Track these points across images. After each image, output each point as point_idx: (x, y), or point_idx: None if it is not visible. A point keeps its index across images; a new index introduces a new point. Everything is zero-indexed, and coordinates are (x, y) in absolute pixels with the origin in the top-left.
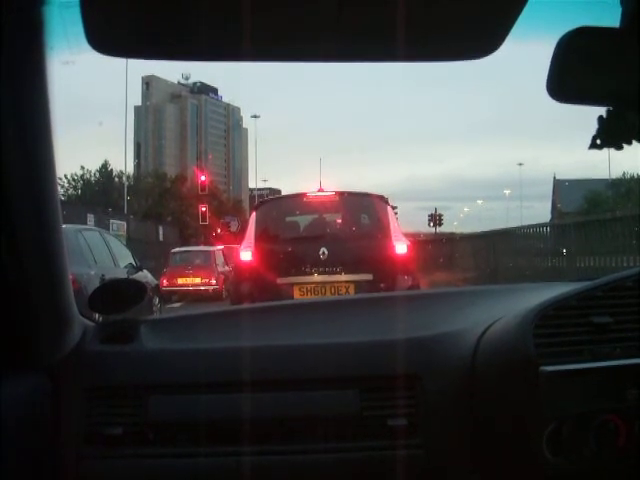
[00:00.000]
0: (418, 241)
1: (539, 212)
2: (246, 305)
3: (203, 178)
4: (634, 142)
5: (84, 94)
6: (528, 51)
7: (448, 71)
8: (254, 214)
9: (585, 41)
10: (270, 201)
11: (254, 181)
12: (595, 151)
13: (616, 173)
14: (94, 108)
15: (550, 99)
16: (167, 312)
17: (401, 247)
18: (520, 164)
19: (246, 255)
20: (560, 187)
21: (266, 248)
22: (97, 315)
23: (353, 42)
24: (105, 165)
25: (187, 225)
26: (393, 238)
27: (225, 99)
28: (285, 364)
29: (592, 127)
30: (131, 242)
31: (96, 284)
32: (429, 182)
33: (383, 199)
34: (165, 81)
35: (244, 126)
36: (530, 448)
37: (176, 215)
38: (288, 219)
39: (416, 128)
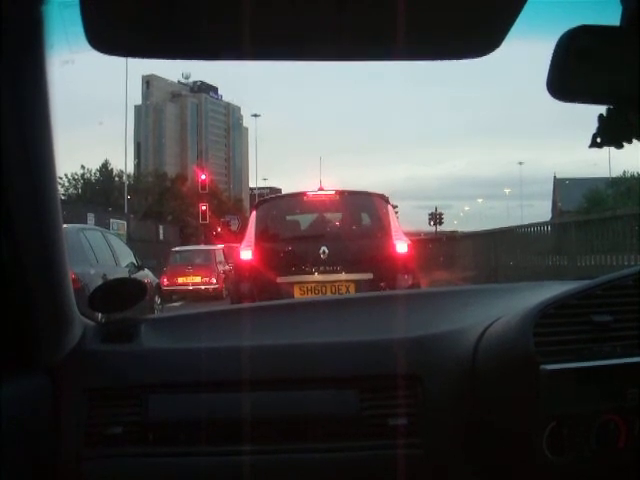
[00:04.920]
0: (418, 240)
1: (539, 211)
2: (246, 304)
3: (203, 177)
4: (634, 141)
5: (84, 93)
6: (528, 49)
7: (449, 70)
8: (254, 213)
9: (585, 40)
10: (270, 200)
11: (254, 180)
12: (595, 149)
13: (616, 172)
14: (94, 107)
15: (550, 98)
16: (167, 311)
17: (401, 246)
18: (520, 163)
19: (246, 254)
20: (560, 186)
21: (266, 247)
22: (100, 315)
23: (353, 41)
24: (105, 164)
25: (187, 224)
26: (393, 237)
27: (225, 98)
28: (285, 363)
29: (592, 125)
30: (131, 241)
31: (98, 283)
32: (429, 181)
33: (383, 198)
34: (165, 80)
35: (244, 125)
36: (530, 447)
37: (176, 214)
38: (288, 218)
39: (416, 127)
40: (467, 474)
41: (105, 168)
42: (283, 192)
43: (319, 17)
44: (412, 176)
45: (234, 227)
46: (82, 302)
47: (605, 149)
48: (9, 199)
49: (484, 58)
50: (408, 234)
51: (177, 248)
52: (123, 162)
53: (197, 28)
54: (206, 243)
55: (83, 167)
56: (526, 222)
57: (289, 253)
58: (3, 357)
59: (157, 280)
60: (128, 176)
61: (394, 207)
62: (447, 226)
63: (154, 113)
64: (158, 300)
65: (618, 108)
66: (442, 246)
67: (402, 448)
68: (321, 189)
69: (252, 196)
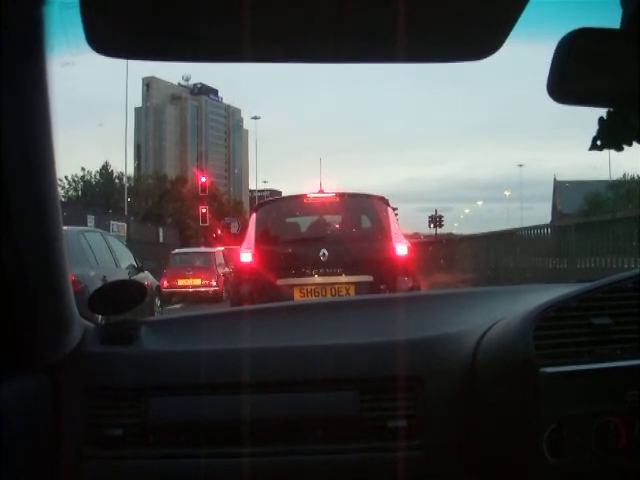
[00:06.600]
0: (419, 242)
1: (539, 213)
2: (246, 306)
3: (203, 179)
4: (634, 143)
5: (84, 95)
6: (528, 52)
7: (449, 71)
8: (254, 215)
9: (585, 42)
10: (270, 202)
11: (254, 182)
12: (596, 152)
13: (616, 174)
14: (94, 109)
15: (551, 100)
16: (167, 313)
17: (401, 248)
18: (520, 165)
19: (246, 256)
20: (560, 188)
21: (266, 249)
22: (100, 317)
23: (353, 43)
24: (105, 166)
25: (187, 226)
26: (393, 239)
27: (225, 100)
28: (285, 366)
29: (593, 128)
30: (131, 243)
31: (97, 285)
32: (429, 183)
33: (383, 200)
34: (165, 82)
35: (245, 127)
36: (530, 449)
37: (176, 216)
38: (288, 220)
39: (416, 129)
40: (467, 476)
41: (105, 170)
42: (283, 194)
43: (319, 19)
44: (412, 178)
45: (234, 229)
46: (82, 304)
47: (605, 152)
48: (9, 200)
49: (485, 60)
50: (408, 236)
51: (177, 250)
52: (123, 164)
53: (197, 30)
54: (206, 245)
55: (83, 169)
56: (526, 225)
57: (289, 255)
58: (3, 357)
59: (157, 282)
60: (128, 178)
61: (394, 209)
62: (447, 229)
63: (154, 115)
64: (158, 302)
65: (618, 111)
66: (442, 249)
67: (402, 449)
68: (321, 191)
69: (252, 198)
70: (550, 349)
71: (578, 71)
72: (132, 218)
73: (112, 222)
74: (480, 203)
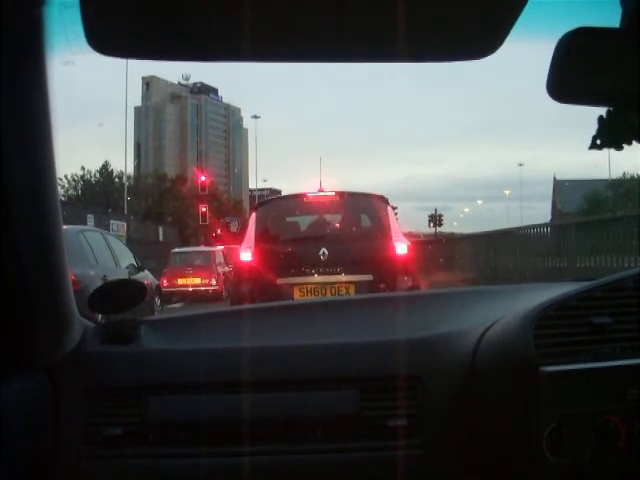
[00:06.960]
0: (418, 241)
1: (539, 212)
2: (246, 305)
3: (203, 178)
4: (634, 142)
5: (84, 94)
6: (528, 51)
7: (449, 70)
8: (254, 214)
9: (585, 41)
10: (270, 201)
11: (254, 181)
12: (595, 151)
13: (616, 173)
14: (94, 108)
15: (550, 99)
16: (167, 312)
17: (401, 247)
18: (520, 164)
19: (246, 255)
20: (560, 187)
21: (266, 248)
22: (100, 316)
23: (353, 42)
24: (105, 166)
25: (187, 225)
26: (393, 238)
27: (225, 99)
28: (285, 365)
29: (592, 127)
30: (131, 242)
31: (97, 284)
32: (429, 182)
33: (383, 199)
34: (165, 81)
35: (244, 126)
36: (530, 448)
37: (176, 215)
38: (288, 219)
39: (416, 128)
40: (467, 475)
41: (105, 169)
42: (283, 193)
43: (319, 18)
44: (412, 177)
45: (234, 228)
46: (82, 303)
47: (605, 151)
48: (9, 200)
49: (484, 59)
50: (408, 235)
51: (177, 249)
52: (123, 163)
53: (197, 29)
54: (206, 244)
55: (83, 168)
56: (526, 224)
57: (289, 254)
58: (3, 357)
59: (157, 281)
60: (128, 177)
61: (394, 208)
62: (447, 227)
63: (154, 114)
64: (158, 301)
65: (618, 110)
66: (442, 248)
67: (402, 448)
68: (321, 190)
69: (252, 197)
70: (550, 348)
71: (578, 70)
72: (132, 217)
73: (112, 221)
74: (480, 202)
